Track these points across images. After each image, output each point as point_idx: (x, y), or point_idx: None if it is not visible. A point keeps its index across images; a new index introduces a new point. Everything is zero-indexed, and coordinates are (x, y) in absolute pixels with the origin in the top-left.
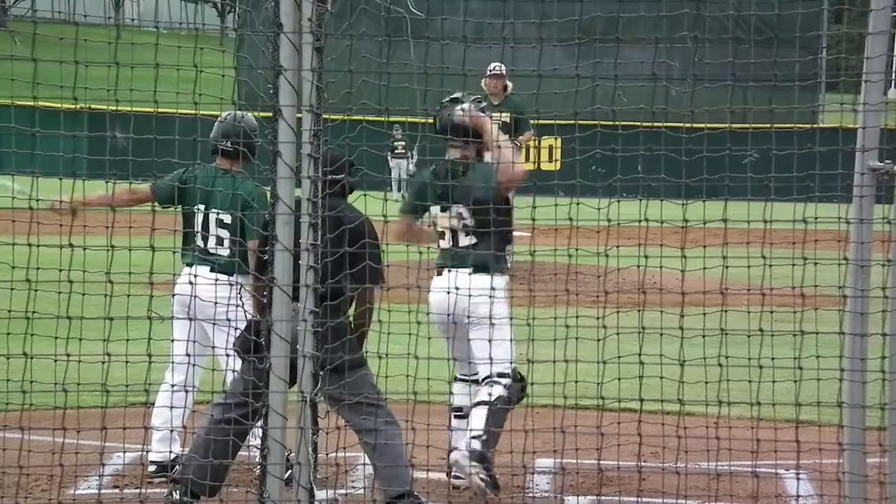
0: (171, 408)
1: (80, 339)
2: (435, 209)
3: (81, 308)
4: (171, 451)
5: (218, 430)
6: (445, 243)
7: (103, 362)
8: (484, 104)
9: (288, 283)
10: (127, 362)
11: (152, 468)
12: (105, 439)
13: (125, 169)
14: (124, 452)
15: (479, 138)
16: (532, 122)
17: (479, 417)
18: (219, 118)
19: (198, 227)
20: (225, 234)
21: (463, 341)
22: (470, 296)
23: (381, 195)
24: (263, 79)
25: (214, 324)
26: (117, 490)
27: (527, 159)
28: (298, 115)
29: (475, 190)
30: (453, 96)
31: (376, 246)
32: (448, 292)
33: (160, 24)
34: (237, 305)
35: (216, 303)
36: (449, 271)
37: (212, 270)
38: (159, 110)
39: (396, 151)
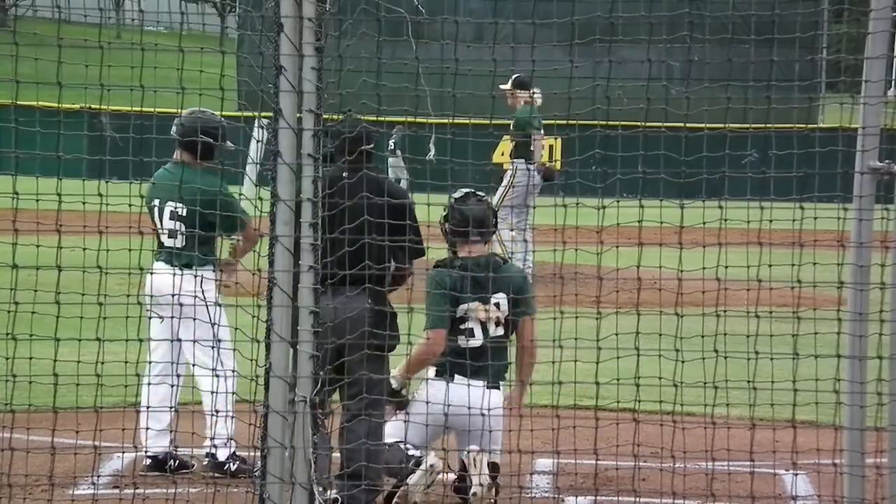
0: (170, 408)
1: (80, 340)
2: (472, 303)
3: (81, 308)
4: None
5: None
6: (475, 342)
7: (101, 362)
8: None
9: (288, 283)
10: (126, 362)
11: (148, 462)
12: (101, 439)
13: (124, 169)
14: (122, 452)
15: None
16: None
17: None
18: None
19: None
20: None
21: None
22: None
23: None
24: (264, 79)
25: (172, 317)
26: (116, 490)
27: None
28: (298, 115)
29: (514, 281)
30: (465, 191)
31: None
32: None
33: (160, 24)
34: (195, 297)
35: (173, 295)
36: (461, 381)
37: (168, 264)
38: (159, 110)
39: (391, 151)
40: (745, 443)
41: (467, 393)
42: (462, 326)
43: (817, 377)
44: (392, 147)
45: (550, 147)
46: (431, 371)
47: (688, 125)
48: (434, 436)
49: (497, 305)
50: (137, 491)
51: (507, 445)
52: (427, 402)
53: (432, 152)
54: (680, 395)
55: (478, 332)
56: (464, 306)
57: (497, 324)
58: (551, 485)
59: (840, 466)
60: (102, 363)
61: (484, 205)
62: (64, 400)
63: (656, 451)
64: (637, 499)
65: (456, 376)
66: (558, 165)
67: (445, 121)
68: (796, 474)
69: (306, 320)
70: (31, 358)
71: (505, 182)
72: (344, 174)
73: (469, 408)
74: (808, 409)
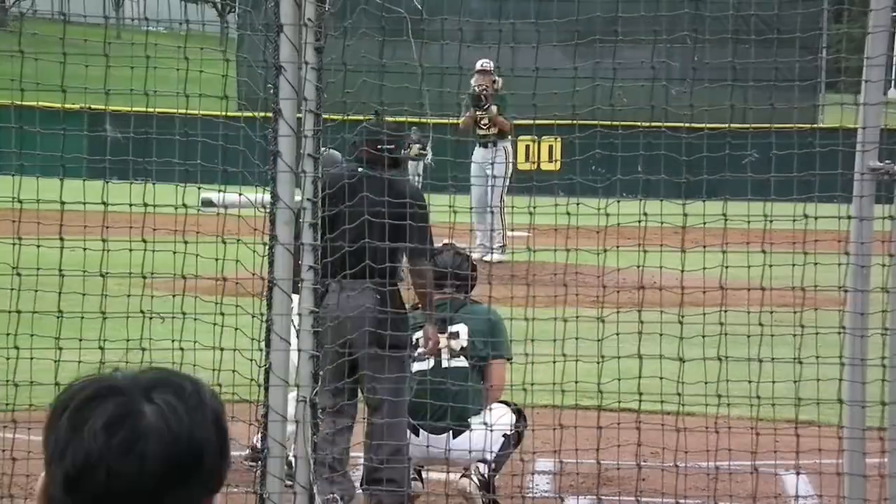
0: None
1: (80, 340)
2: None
3: (82, 306)
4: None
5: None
6: (423, 365)
7: (102, 362)
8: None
9: (288, 282)
10: (127, 363)
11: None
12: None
13: (125, 168)
14: None
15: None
16: (529, 121)
17: (493, 442)
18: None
19: None
20: None
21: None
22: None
23: None
24: (263, 79)
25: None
26: None
27: (527, 158)
28: (298, 115)
29: (475, 331)
30: (445, 242)
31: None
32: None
33: (160, 24)
34: None
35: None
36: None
37: None
38: (159, 110)
39: (413, 154)
40: (747, 443)
41: (426, 447)
42: (414, 353)
43: (818, 377)
44: (419, 149)
45: (550, 147)
46: None
47: (688, 125)
48: None
49: (455, 335)
50: None
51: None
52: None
53: (430, 155)
54: (682, 391)
55: (429, 358)
56: (417, 334)
57: (452, 354)
58: (551, 485)
59: (841, 467)
60: (103, 363)
61: (460, 258)
62: None
63: (657, 451)
64: (638, 499)
65: (420, 431)
66: (558, 165)
67: (445, 121)
68: (798, 473)
69: (306, 320)
70: (31, 358)
71: None
72: (359, 168)
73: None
74: (809, 408)
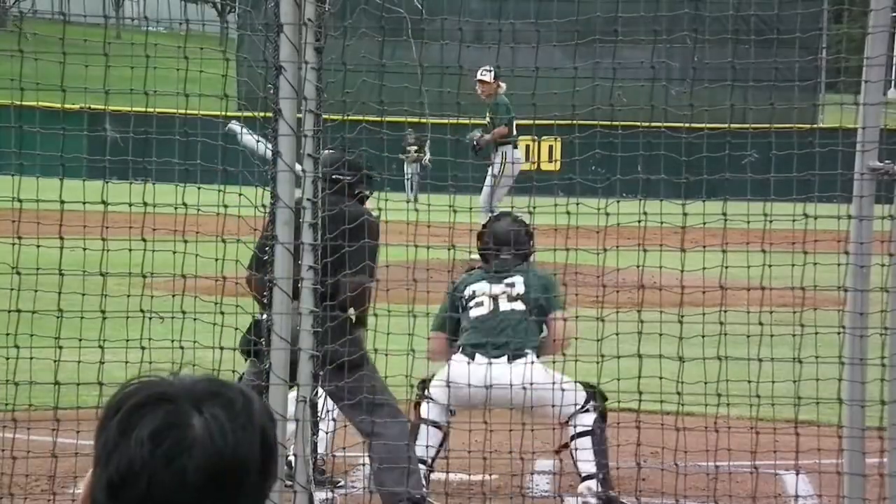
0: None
1: (80, 340)
2: (479, 284)
3: (81, 306)
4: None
5: None
6: (482, 310)
7: (101, 362)
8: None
9: (288, 282)
10: (126, 363)
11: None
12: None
13: (125, 168)
14: None
15: (526, 249)
16: (529, 121)
17: (586, 453)
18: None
19: None
20: None
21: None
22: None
23: (383, 195)
24: (263, 78)
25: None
26: None
27: (527, 158)
28: (298, 115)
29: (530, 284)
30: (502, 211)
31: (375, 244)
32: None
33: (160, 24)
34: None
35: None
36: (487, 362)
37: None
38: (159, 110)
39: (409, 155)
40: (746, 442)
41: (487, 371)
42: (472, 303)
43: (818, 377)
44: (415, 150)
45: (550, 147)
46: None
47: (688, 126)
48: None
49: (511, 286)
50: None
51: (508, 445)
52: (449, 384)
53: (427, 156)
54: (681, 391)
55: (487, 303)
56: (471, 288)
57: (510, 299)
58: (551, 485)
59: (840, 466)
60: (103, 363)
61: (516, 225)
62: (65, 399)
63: (657, 450)
64: (638, 499)
65: (476, 356)
66: (558, 165)
67: (445, 121)
68: (798, 473)
69: (306, 321)
70: (31, 358)
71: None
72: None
73: (489, 386)
74: (809, 408)
